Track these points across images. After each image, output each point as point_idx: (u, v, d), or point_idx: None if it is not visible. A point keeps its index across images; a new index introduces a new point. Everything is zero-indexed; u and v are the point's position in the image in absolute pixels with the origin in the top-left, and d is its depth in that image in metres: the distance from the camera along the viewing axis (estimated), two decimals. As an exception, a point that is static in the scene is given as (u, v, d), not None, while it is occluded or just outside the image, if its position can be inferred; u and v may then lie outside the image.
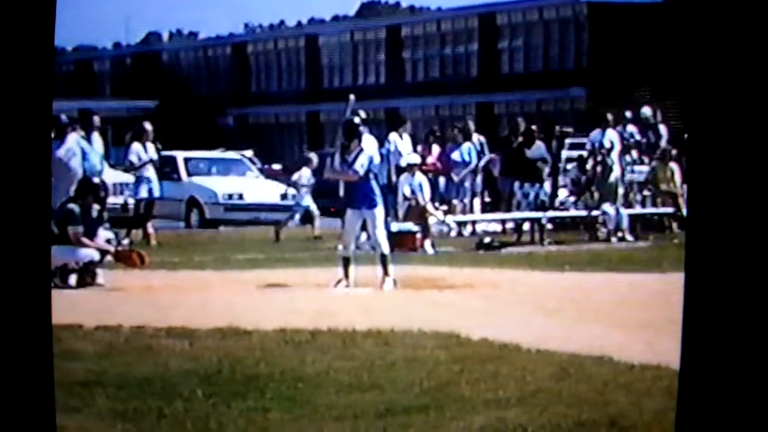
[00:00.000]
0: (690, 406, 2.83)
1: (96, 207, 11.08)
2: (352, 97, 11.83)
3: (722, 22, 2.86)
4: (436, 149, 18.51)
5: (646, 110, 19.44)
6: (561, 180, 18.33)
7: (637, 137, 19.03)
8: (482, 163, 18.32)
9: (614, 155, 17.99)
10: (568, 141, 19.66)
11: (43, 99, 2.98)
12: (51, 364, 2.99)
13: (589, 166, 17.76)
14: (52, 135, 12.64)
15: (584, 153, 18.34)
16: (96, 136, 15.43)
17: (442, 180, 18.21)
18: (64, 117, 15.04)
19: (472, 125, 18.86)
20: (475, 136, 18.47)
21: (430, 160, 17.89)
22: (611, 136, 18.37)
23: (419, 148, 18.44)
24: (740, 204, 2.88)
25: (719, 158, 2.89)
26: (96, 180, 12.10)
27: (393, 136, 17.65)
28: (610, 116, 18.75)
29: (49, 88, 2.96)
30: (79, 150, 14.43)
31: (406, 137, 18.01)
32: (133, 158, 16.23)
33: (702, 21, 2.91)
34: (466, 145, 18.46)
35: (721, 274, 2.87)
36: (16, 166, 2.93)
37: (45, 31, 2.90)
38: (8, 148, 2.91)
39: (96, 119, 15.67)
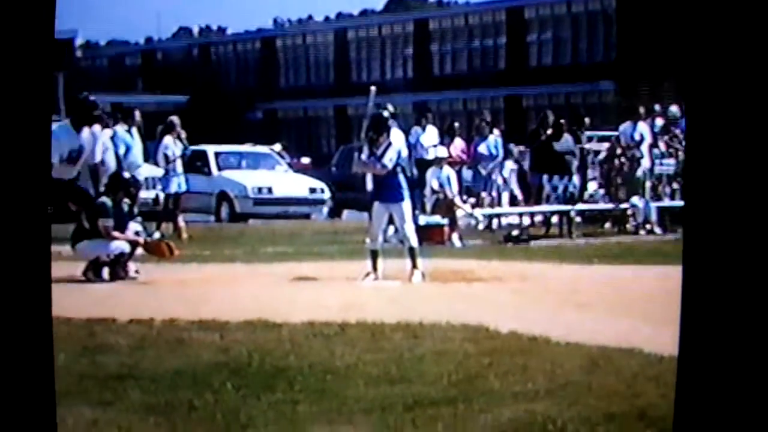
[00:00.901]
0: (689, 400, 2.81)
1: (127, 201, 11.14)
2: (372, 89, 11.82)
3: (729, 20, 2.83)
4: (458, 142, 18.48)
5: (675, 109, 19.32)
6: (590, 173, 18.26)
7: (665, 133, 18.97)
8: (499, 159, 18.31)
9: (644, 148, 17.92)
10: (597, 134, 19.59)
11: (44, 95, 2.94)
12: (51, 359, 2.95)
13: (601, 156, 17.70)
14: (77, 116, 12.17)
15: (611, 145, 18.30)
16: (136, 131, 15.50)
17: (469, 173, 18.20)
18: (138, 115, 15.15)
19: (485, 123, 18.83)
20: (493, 134, 18.48)
21: (453, 152, 17.87)
22: (642, 128, 18.29)
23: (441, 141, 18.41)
24: (738, 199, 2.85)
25: (718, 153, 2.86)
26: (126, 174, 12.15)
27: (415, 129, 17.63)
28: (642, 109, 18.68)
29: (48, 83, 2.91)
30: (112, 144, 14.50)
31: (431, 129, 17.97)
32: (167, 152, 16.27)
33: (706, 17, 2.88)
34: (492, 138, 18.44)
35: (718, 270, 2.84)
36: (16, 162, 2.89)
37: (45, 27, 2.86)
38: (8, 143, 2.87)
39: (137, 114, 15.71)
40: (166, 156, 16.25)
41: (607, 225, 17.27)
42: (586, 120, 20.08)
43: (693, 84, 2.87)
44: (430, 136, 17.85)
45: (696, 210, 2.91)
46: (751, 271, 2.81)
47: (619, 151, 17.74)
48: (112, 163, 14.13)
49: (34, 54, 2.81)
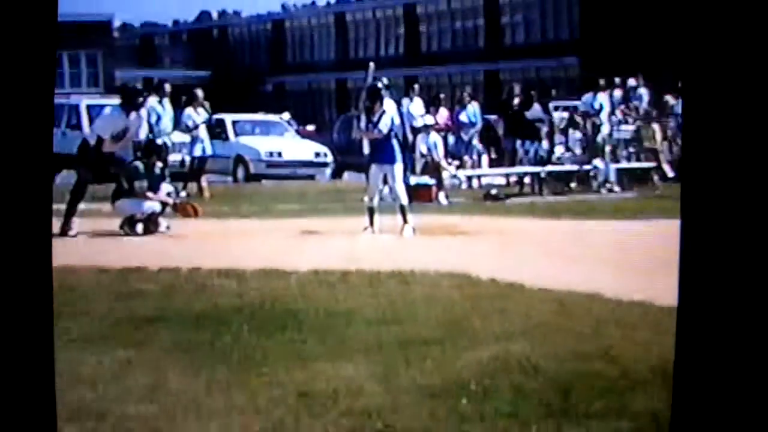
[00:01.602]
0: (688, 349, 2.72)
1: (159, 165, 11.05)
2: (371, 65, 11.70)
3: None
4: (443, 111, 18.37)
5: (632, 82, 19.31)
6: (557, 138, 18.16)
7: (623, 103, 18.95)
8: (478, 127, 18.20)
9: (604, 116, 17.83)
10: (562, 103, 19.48)
11: (46, 74, 2.72)
12: (51, 351, 2.73)
13: (563, 124, 17.61)
14: (126, 101, 11.89)
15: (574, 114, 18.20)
16: (167, 102, 15.38)
17: (452, 138, 18.08)
18: (138, 86, 15.04)
19: (467, 95, 18.70)
20: (471, 104, 18.39)
21: (439, 120, 17.77)
22: (601, 98, 18.26)
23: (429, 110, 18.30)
24: (731, 158, 2.74)
25: (713, 117, 2.75)
26: (159, 141, 12.02)
27: (405, 100, 17.50)
28: (601, 81, 18.64)
29: (51, 62, 2.70)
30: (145, 115, 14.34)
31: (417, 100, 17.85)
32: (188, 122, 16.20)
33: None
34: (471, 108, 18.30)
35: (714, 221, 2.73)
36: (17, 151, 2.69)
37: (48, 17, 2.67)
38: (10, 133, 2.68)
39: (167, 87, 15.56)
40: (186, 125, 16.16)
41: (573, 184, 17.18)
42: (553, 91, 19.96)
43: (687, 62, 2.74)
44: (417, 106, 17.71)
45: (694, 167, 2.77)
46: (746, 226, 2.68)
47: (578, 118, 17.65)
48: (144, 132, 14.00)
49: (36, 33, 2.62)
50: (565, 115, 18.24)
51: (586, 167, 16.82)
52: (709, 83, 2.73)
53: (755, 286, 2.70)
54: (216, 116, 19.59)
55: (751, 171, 2.70)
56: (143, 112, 11.36)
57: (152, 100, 14.73)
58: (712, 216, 2.73)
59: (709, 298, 2.72)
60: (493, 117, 19.91)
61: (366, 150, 11.62)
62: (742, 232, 2.71)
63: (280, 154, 21.22)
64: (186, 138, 16.68)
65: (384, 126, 10.73)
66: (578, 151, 17.11)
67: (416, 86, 18.75)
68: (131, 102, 10.86)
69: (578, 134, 17.42)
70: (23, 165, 2.67)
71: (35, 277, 2.72)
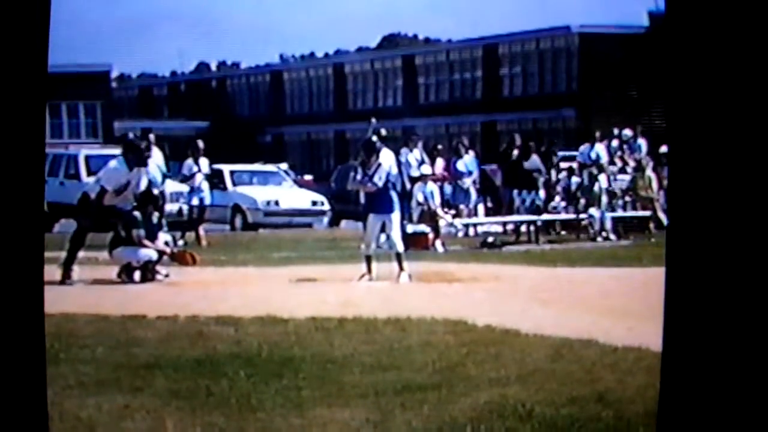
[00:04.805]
0: (672, 388, 2.77)
1: (156, 214, 11.13)
2: (373, 120, 11.93)
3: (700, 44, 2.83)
4: (439, 162, 18.55)
5: (628, 132, 19.56)
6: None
7: (619, 152, 19.15)
8: (474, 176, 18.33)
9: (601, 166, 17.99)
10: (559, 153, 19.66)
11: (37, 102, 2.80)
12: (43, 357, 2.76)
13: (564, 174, 17.77)
14: (130, 156, 11.96)
15: (573, 165, 18.36)
16: (156, 151, 15.38)
17: (449, 187, 18.19)
18: (152, 137, 15.18)
19: (462, 145, 18.88)
20: (468, 154, 18.56)
21: (436, 170, 17.91)
22: (598, 149, 18.47)
23: (427, 160, 18.42)
24: (716, 205, 2.83)
25: (698, 166, 2.84)
26: (155, 191, 12.12)
27: (404, 150, 17.66)
28: (598, 133, 18.92)
29: (42, 93, 2.78)
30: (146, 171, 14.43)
31: (416, 150, 18.02)
32: (185, 171, 16.43)
33: (683, 44, 2.88)
34: (467, 157, 18.45)
35: (697, 268, 2.81)
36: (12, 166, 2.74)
37: (39, 38, 2.74)
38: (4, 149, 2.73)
39: (151, 137, 15.64)
40: (184, 175, 16.37)
41: (563, 232, 17.28)
42: (546, 142, 20.14)
43: (674, 103, 2.84)
44: (416, 156, 17.86)
45: (679, 217, 2.86)
46: (728, 271, 2.76)
47: (573, 169, 17.84)
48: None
49: (28, 80, 2.70)
50: (573, 165, 18.42)
51: (582, 216, 16.93)
52: (696, 138, 2.83)
53: (741, 332, 2.76)
54: (215, 166, 19.79)
55: (736, 223, 2.77)
56: (147, 167, 11.47)
57: (156, 156, 14.84)
58: (697, 264, 2.80)
59: (693, 343, 2.78)
60: (489, 167, 20.06)
61: (362, 200, 11.73)
62: (726, 281, 2.78)
63: (277, 203, 21.33)
64: (184, 188, 16.82)
65: (378, 179, 10.86)
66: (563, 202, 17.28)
67: (415, 137, 18.95)
68: (136, 158, 11.00)
69: (575, 180, 17.55)
70: (16, 213, 2.72)
71: (28, 324, 2.76)
